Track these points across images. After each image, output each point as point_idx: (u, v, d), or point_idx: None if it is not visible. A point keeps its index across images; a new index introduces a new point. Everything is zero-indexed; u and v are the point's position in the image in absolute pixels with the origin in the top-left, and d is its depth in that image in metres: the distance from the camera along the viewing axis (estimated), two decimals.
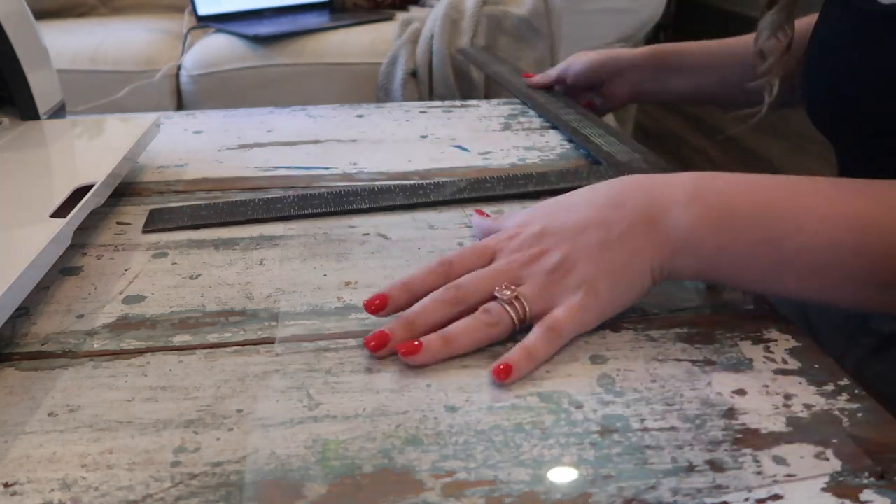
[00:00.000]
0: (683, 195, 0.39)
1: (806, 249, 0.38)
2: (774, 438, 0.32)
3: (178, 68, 1.60)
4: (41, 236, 0.42)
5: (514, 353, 0.37)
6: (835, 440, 0.32)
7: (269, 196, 0.57)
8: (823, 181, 0.40)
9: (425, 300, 0.39)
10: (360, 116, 0.77)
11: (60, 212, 0.46)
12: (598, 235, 0.39)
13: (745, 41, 0.72)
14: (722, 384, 0.36)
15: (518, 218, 0.43)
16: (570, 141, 0.69)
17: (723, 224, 0.38)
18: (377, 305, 0.39)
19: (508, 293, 0.38)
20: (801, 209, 0.38)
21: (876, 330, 0.54)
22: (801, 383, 0.36)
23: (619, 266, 0.39)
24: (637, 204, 0.40)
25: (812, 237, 0.37)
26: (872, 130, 0.51)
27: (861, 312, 0.43)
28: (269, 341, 0.40)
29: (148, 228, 0.53)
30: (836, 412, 0.34)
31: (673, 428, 0.33)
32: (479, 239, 0.46)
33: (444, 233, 0.51)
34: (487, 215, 0.49)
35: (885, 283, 0.37)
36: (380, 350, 0.37)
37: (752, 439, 0.32)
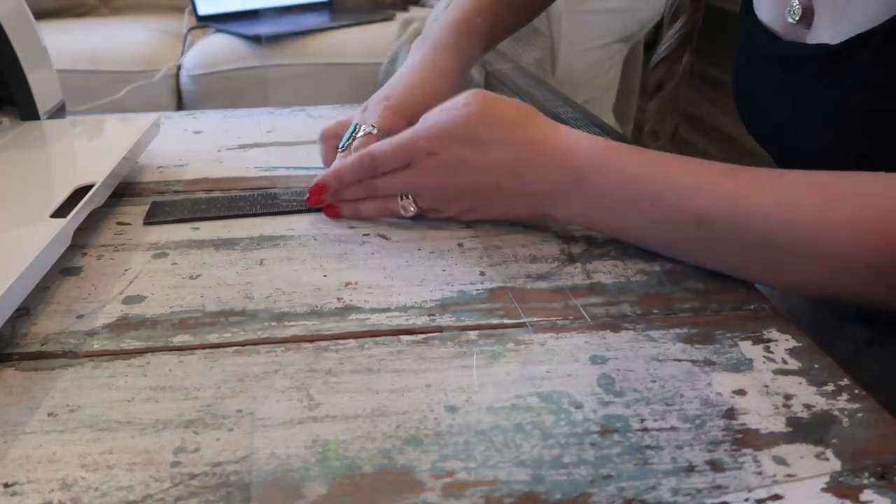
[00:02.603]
0: (569, 185, 0.46)
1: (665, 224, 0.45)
2: (774, 438, 0.32)
3: (178, 68, 1.60)
4: (41, 236, 0.42)
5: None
6: (835, 440, 0.32)
7: (268, 192, 0.58)
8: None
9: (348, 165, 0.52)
10: None
11: (60, 212, 0.46)
12: (487, 193, 0.49)
13: None
14: (722, 384, 0.36)
15: (441, 128, 0.48)
16: None
17: (595, 211, 0.47)
18: (317, 194, 0.52)
19: (408, 206, 0.51)
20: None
21: (868, 322, 0.54)
22: (801, 383, 0.36)
23: (496, 213, 0.51)
24: (531, 186, 0.48)
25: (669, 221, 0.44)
26: (799, 154, 0.53)
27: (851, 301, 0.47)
28: (269, 341, 0.40)
29: (149, 221, 0.53)
30: (836, 412, 0.34)
31: (673, 428, 0.33)
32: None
33: (444, 233, 0.51)
34: None
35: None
36: (318, 201, 0.53)
37: (752, 439, 0.32)
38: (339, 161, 0.53)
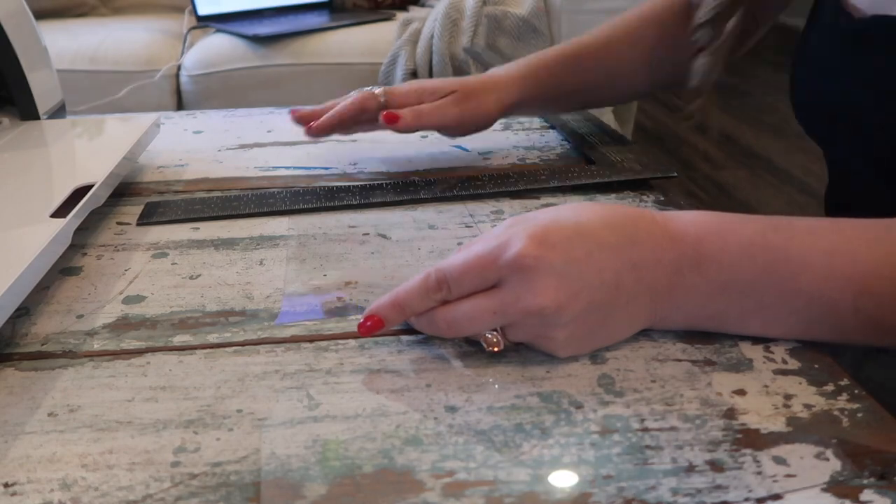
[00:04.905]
0: (690, 265, 0.38)
1: (803, 308, 0.37)
2: (774, 438, 0.32)
3: (178, 68, 1.60)
4: (41, 236, 0.42)
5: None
6: (835, 440, 0.32)
7: (263, 192, 0.58)
8: (822, 228, 0.38)
9: (415, 290, 0.38)
10: None
11: (60, 212, 0.46)
12: (607, 298, 0.37)
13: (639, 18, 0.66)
14: (722, 384, 0.36)
15: (530, 234, 0.36)
16: (569, 141, 0.69)
17: (720, 298, 0.38)
18: (368, 328, 0.38)
19: (494, 341, 0.37)
20: (798, 269, 0.37)
21: None
22: (801, 383, 0.36)
23: (611, 334, 0.38)
24: (649, 275, 0.38)
25: (808, 299, 0.37)
26: (859, 137, 0.52)
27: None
28: (269, 341, 0.40)
29: (143, 221, 0.54)
30: (836, 412, 0.34)
31: (673, 428, 0.33)
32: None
33: (445, 233, 0.51)
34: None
35: (886, 332, 0.37)
36: (372, 333, 0.39)
37: (752, 439, 0.32)
38: (402, 286, 0.39)
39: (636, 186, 0.58)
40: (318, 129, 0.59)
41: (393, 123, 0.57)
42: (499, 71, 0.63)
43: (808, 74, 0.57)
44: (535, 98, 0.64)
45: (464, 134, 0.62)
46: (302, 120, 0.61)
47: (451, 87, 0.60)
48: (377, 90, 0.60)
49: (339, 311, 0.42)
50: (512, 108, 0.63)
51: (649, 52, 0.65)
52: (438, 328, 0.38)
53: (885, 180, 0.51)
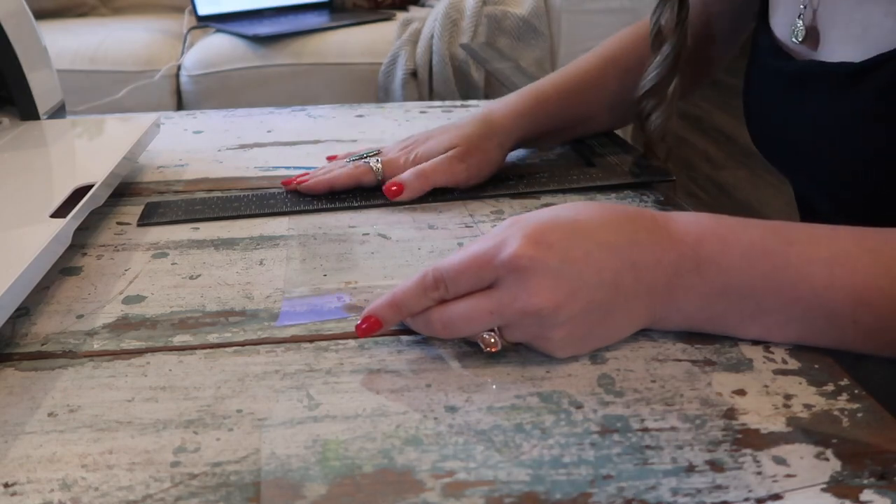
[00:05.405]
0: (689, 267, 0.38)
1: (802, 316, 0.37)
2: (774, 438, 0.32)
3: (178, 68, 1.60)
4: (41, 236, 0.42)
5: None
6: (835, 440, 0.32)
7: (263, 192, 0.58)
8: (821, 236, 0.38)
9: (412, 289, 0.38)
10: (360, 116, 0.77)
11: (60, 212, 0.46)
12: (606, 298, 0.37)
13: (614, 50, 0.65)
14: (722, 384, 0.36)
15: (526, 234, 0.37)
16: (569, 143, 0.69)
17: (719, 301, 0.38)
18: (365, 330, 0.38)
19: (492, 342, 0.37)
20: (799, 281, 0.37)
21: None
22: (801, 383, 0.36)
23: (610, 334, 0.38)
24: (648, 275, 0.37)
25: (807, 307, 0.37)
26: (810, 171, 0.53)
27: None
28: (269, 341, 0.40)
29: (143, 222, 0.54)
30: (836, 412, 0.34)
31: (673, 428, 0.33)
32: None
33: (444, 233, 0.51)
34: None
35: (887, 343, 0.37)
36: (370, 334, 0.39)
37: (752, 439, 0.32)
38: (399, 286, 0.39)
39: (636, 186, 0.58)
40: (305, 188, 0.56)
41: (398, 196, 0.55)
42: (496, 108, 0.60)
43: (757, 110, 0.57)
44: (533, 134, 0.62)
45: (473, 185, 0.58)
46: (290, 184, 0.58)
47: (450, 143, 0.57)
48: (373, 162, 0.57)
49: (339, 312, 0.42)
50: (513, 149, 0.61)
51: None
52: (434, 328, 0.38)
53: (844, 213, 0.51)
